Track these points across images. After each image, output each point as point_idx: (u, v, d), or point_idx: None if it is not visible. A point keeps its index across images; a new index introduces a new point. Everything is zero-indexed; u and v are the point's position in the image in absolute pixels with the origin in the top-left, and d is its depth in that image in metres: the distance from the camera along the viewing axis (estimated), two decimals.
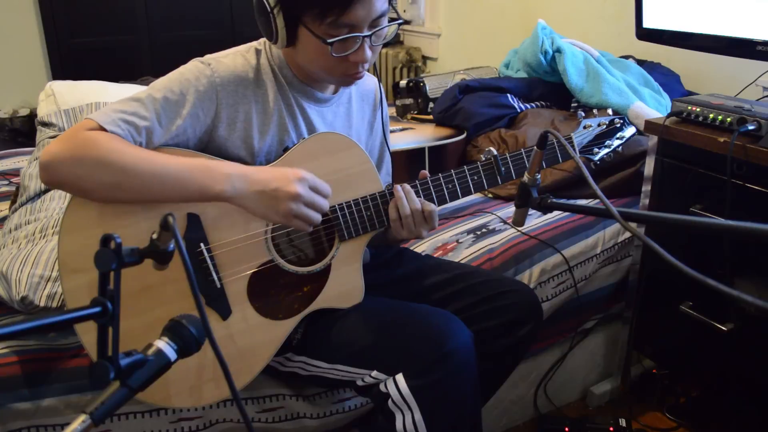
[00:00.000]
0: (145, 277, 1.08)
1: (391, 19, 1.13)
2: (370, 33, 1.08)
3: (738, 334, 1.47)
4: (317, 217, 1.09)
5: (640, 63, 2.34)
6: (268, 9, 1.06)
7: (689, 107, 1.50)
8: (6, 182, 2.09)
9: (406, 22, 1.04)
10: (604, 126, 1.34)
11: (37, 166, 1.68)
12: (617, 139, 1.36)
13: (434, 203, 1.22)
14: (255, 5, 1.09)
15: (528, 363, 1.74)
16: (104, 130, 1.03)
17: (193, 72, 1.11)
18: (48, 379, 1.22)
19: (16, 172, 2.15)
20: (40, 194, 1.66)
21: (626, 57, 2.38)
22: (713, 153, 1.42)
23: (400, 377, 1.13)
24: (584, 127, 1.32)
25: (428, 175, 1.23)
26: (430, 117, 2.35)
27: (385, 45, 2.86)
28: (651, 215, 0.82)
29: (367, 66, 1.14)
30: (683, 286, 1.58)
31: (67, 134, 1.03)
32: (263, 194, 1.06)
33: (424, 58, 3.88)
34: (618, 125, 1.35)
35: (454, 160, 2.09)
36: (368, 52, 1.10)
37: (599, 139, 1.34)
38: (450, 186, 1.23)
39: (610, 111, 1.37)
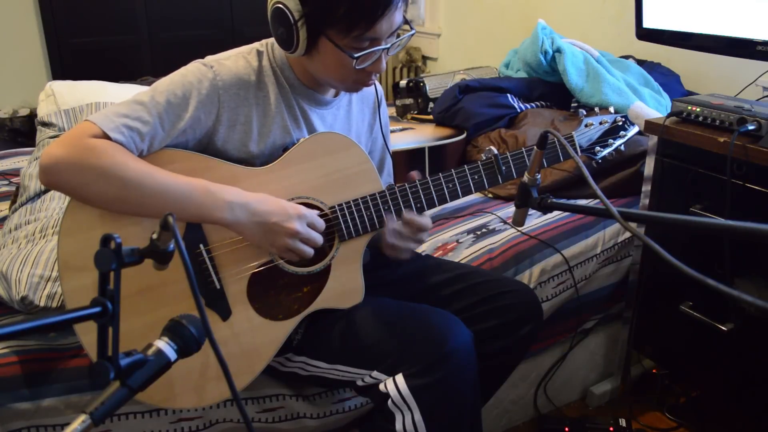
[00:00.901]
0: (145, 278, 1.08)
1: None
2: (390, 45, 1.10)
3: (738, 334, 1.47)
4: (310, 252, 1.13)
5: (640, 63, 2.34)
6: (292, 21, 1.06)
7: (689, 107, 1.50)
8: (6, 182, 2.09)
9: (413, 35, 1.05)
10: (607, 124, 1.34)
11: (37, 166, 1.68)
12: (620, 137, 1.36)
13: (434, 203, 1.22)
14: (274, 15, 1.08)
15: (528, 363, 1.74)
16: (107, 136, 1.03)
17: (195, 74, 1.11)
18: (48, 379, 1.22)
19: (16, 172, 2.15)
20: (40, 194, 1.66)
21: (626, 57, 2.38)
22: (713, 153, 1.42)
23: (400, 377, 1.12)
24: (585, 126, 1.32)
25: (417, 177, 1.23)
26: (430, 117, 2.35)
27: None
28: (651, 215, 0.82)
29: (378, 75, 1.16)
30: (683, 286, 1.58)
31: (69, 138, 1.03)
32: (262, 226, 1.09)
33: (424, 58, 3.88)
34: (620, 123, 1.35)
35: (454, 160, 2.09)
36: (384, 62, 1.12)
37: (602, 138, 1.34)
38: (450, 185, 1.23)
39: (611, 109, 1.37)
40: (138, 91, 1.12)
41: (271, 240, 1.10)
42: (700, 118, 1.48)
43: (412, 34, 1.15)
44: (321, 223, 1.14)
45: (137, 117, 1.06)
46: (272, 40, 1.16)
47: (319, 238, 1.13)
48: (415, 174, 1.24)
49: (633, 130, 1.36)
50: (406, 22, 1.14)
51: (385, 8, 1.04)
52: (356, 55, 1.07)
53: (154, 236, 0.71)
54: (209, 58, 1.15)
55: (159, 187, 1.04)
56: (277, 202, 1.10)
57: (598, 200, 1.06)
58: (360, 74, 1.12)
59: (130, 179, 1.02)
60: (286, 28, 1.07)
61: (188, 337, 0.69)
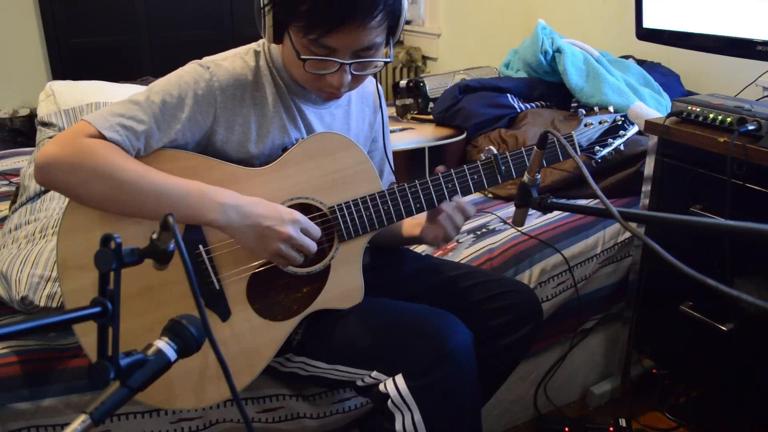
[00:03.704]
0: (145, 278, 1.08)
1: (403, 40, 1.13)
2: (350, 62, 1.07)
3: (738, 334, 1.47)
4: (301, 259, 1.12)
5: (640, 63, 2.34)
6: (261, 6, 1.06)
7: (689, 107, 1.50)
8: (6, 182, 2.09)
9: (386, 63, 1.03)
10: (607, 123, 1.34)
11: None
12: (619, 137, 1.35)
13: (434, 203, 1.22)
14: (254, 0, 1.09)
15: (528, 363, 1.74)
16: (102, 135, 1.03)
17: (192, 75, 1.11)
18: (48, 379, 1.22)
19: (16, 172, 2.15)
20: (40, 194, 1.66)
21: (626, 57, 2.38)
22: (713, 153, 1.42)
23: (399, 378, 1.12)
24: (585, 125, 1.32)
25: (442, 170, 1.23)
26: (430, 117, 2.35)
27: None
28: (651, 215, 0.82)
29: (344, 90, 1.13)
30: (683, 286, 1.58)
31: (65, 137, 1.03)
32: (255, 229, 1.07)
33: (424, 58, 3.88)
34: (620, 122, 1.35)
35: (454, 160, 2.09)
36: (347, 78, 1.09)
37: (602, 137, 1.34)
38: (450, 185, 1.23)
39: (611, 109, 1.37)
40: (137, 91, 1.12)
41: (264, 244, 1.08)
42: (700, 118, 1.48)
43: (387, 61, 1.12)
44: (316, 230, 1.13)
45: (132, 116, 1.06)
46: None
47: (312, 246, 1.11)
48: (440, 168, 1.23)
49: (632, 130, 1.36)
50: (389, 59, 1.11)
51: (345, 20, 1.01)
52: (303, 57, 1.05)
53: (154, 236, 0.71)
54: (206, 59, 1.15)
55: (153, 188, 1.04)
56: (271, 206, 1.09)
57: (598, 200, 1.06)
58: (320, 81, 1.10)
59: (123, 179, 1.02)
60: (257, 11, 1.08)
61: (188, 338, 0.69)
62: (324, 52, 1.05)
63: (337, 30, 1.02)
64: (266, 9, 1.06)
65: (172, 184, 1.05)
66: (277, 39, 1.10)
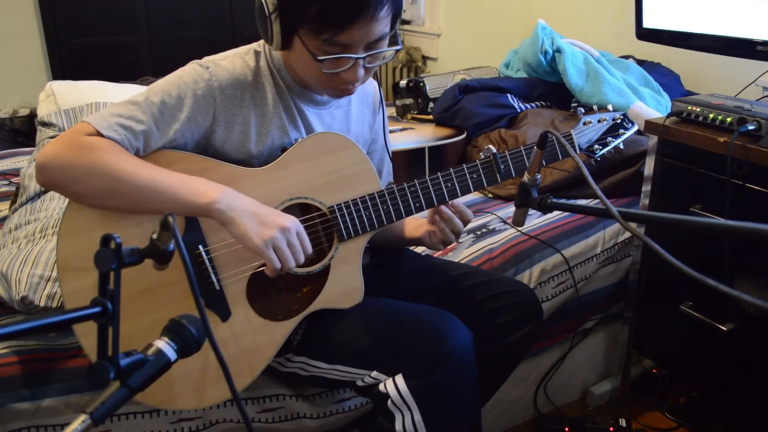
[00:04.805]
0: (145, 279, 1.08)
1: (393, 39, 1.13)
2: (364, 55, 1.08)
3: (738, 334, 1.47)
4: (292, 263, 1.08)
5: (640, 63, 2.34)
6: (267, 14, 1.06)
7: (689, 107, 1.50)
8: (6, 182, 2.09)
9: (398, 50, 1.04)
10: (606, 122, 1.33)
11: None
12: (619, 136, 1.35)
13: (433, 202, 1.22)
14: (256, 7, 1.09)
15: (528, 363, 1.74)
16: (101, 134, 1.03)
17: (191, 75, 1.11)
18: (48, 379, 1.22)
19: (16, 172, 2.15)
20: (40, 194, 1.66)
21: (626, 57, 2.38)
22: (713, 153, 1.42)
23: (399, 378, 1.12)
24: (584, 124, 1.32)
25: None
26: (430, 117, 2.36)
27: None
28: (651, 215, 0.82)
29: (358, 85, 1.13)
30: (683, 286, 1.58)
31: (64, 137, 1.04)
32: (254, 215, 1.06)
33: (424, 58, 3.87)
34: (619, 121, 1.35)
35: (454, 160, 2.09)
36: (361, 72, 1.10)
37: (602, 136, 1.34)
38: (449, 185, 1.23)
39: (610, 107, 1.37)
40: (138, 91, 1.12)
41: (259, 231, 1.05)
42: (700, 118, 1.48)
43: (398, 49, 1.13)
44: (307, 243, 1.10)
45: (131, 116, 1.06)
46: None
47: (302, 256, 1.10)
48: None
49: (632, 129, 1.36)
50: (394, 36, 1.11)
51: (356, 16, 1.01)
52: (320, 58, 1.05)
53: (154, 236, 0.71)
54: (206, 59, 1.15)
55: (151, 180, 1.04)
56: (269, 208, 1.10)
57: (598, 200, 1.06)
58: (335, 80, 1.10)
59: (122, 173, 1.02)
60: (262, 20, 1.07)
61: (188, 337, 0.69)
62: (338, 50, 1.06)
63: (350, 26, 1.02)
64: (273, 16, 1.05)
65: (171, 175, 1.06)
66: (286, 45, 1.09)
